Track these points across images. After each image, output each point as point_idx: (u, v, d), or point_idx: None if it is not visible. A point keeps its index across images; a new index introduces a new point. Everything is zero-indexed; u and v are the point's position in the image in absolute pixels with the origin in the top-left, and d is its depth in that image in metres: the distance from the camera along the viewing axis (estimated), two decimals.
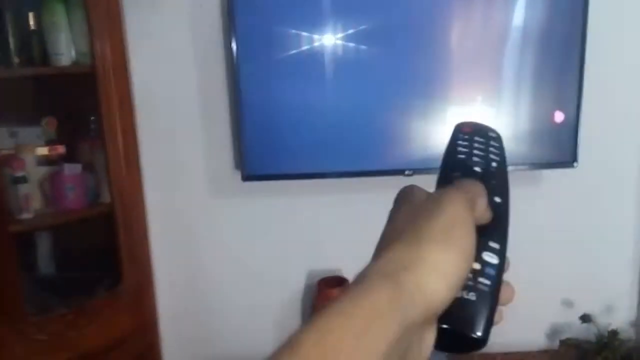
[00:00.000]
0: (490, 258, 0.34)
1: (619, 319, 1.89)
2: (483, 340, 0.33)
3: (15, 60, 1.51)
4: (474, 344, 0.33)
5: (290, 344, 0.27)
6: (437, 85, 1.66)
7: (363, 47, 1.62)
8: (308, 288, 1.91)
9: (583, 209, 1.84)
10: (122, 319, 1.69)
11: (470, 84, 1.66)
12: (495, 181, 0.38)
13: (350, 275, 1.76)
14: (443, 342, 0.33)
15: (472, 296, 0.32)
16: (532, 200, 1.82)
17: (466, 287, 0.32)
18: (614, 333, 1.78)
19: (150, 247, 1.82)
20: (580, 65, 1.61)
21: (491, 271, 0.34)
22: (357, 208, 1.76)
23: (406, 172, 1.65)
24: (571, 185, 1.80)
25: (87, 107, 1.65)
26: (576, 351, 1.79)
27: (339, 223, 1.85)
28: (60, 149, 1.62)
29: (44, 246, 1.72)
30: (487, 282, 0.33)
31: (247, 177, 1.70)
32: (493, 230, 0.35)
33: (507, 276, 0.35)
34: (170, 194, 1.84)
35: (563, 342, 1.81)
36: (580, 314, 1.80)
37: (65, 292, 1.64)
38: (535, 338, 1.94)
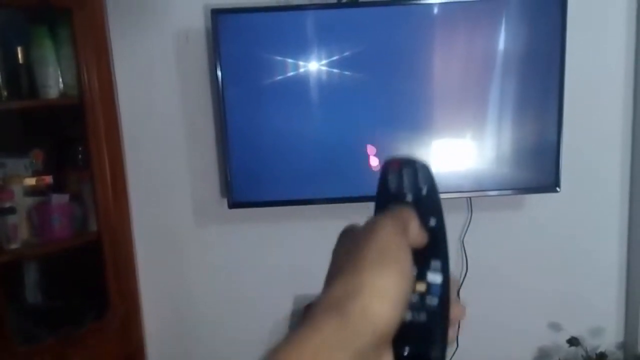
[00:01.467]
0: (434, 277, 0.36)
1: (606, 342, 1.89)
2: None
3: (4, 93, 1.54)
4: None
5: None
6: (421, 112, 1.68)
7: (347, 73, 1.65)
8: (295, 313, 1.91)
9: (567, 233, 1.85)
10: (109, 348, 1.69)
11: (454, 111, 1.68)
12: (428, 206, 0.40)
13: None
14: None
15: (422, 317, 0.35)
16: (516, 224, 1.83)
17: (416, 309, 0.35)
18: (602, 355, 1.78)
19: (137, 275, 1.82)
20: (559, 91, 1.63)
21: (437, 290, 0.36)
22: None
23: None
24: (554, 209, 1.81)
25: (75, 137, 1.67)
26: None
27: (325, 249, 1.83)
28: (48, 180, 1.63)
29: (31, 276, 1.73)
30: (435, 300, 0.35)
31: (233, 205, 1.71)
32: (432, 251, 0.37)
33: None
34: (158, 222, 1.86)
35: None
36: (568, 337, 1.80)
37: (52, 321, 1.63)
38: None
